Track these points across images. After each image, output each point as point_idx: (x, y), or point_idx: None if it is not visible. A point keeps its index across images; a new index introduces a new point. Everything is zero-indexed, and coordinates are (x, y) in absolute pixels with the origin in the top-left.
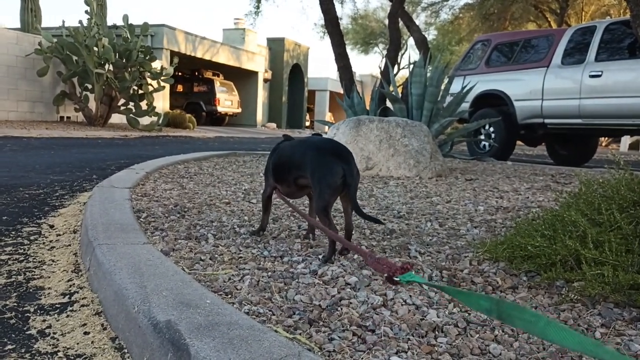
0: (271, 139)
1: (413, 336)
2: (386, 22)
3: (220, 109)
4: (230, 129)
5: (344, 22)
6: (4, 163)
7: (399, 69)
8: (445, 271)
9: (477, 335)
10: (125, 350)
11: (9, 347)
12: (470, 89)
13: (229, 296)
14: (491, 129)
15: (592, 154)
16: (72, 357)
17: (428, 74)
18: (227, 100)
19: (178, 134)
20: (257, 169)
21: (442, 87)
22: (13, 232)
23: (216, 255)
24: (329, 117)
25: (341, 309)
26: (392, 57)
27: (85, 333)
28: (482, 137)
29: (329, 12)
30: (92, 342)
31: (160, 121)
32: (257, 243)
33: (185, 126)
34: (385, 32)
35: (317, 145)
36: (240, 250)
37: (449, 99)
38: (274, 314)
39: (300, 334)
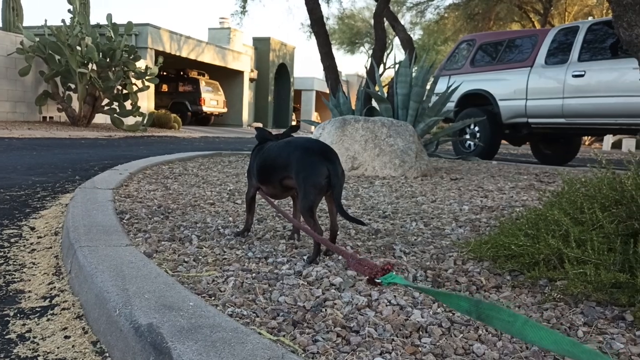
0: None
1: (397, 337)
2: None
3: (205, 108)
4: (216, 128)
5: (330, 22)
6: None
7: (384, 69)
8: (430, 271)
9: (461, 335)
10: (107, 355)
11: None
12: (455, 88)
13: (213, 298)
14: (476, 129)
15: (575, 153)
16: None
17: (413, 74)
18: (212, 100)
19: (163, 134)
20: (243, 169)
21: (428, 86)
22: None
23: (200, 257)
24: (315, 116)
25: (325, 310)
26: (378, 57)
27: (66, 337)
28: (467, 136)
29: (314, 12)
30: (73, 346)
31: (145, 121)
32: (242, 244)
33: (170, 126)
34: (371, 31)
35: (303, 145)
36: (225, 252)
37: (434, 98)
38: (257, 316)
39: (284, 335)
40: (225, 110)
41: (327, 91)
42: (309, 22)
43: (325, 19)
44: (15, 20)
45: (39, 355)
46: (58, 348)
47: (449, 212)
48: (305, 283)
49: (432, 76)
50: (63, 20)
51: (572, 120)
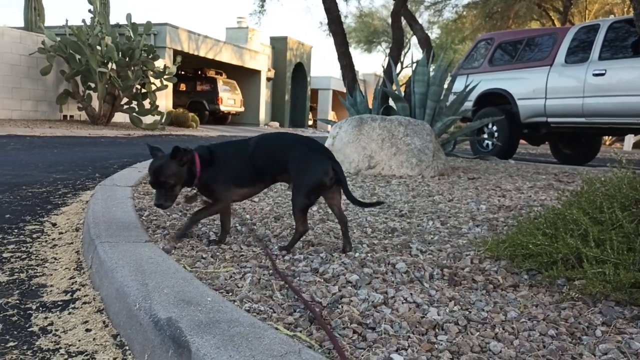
0: None
1: (413, 334)
2: (389, 20)
3: (223, 107)
4: (232, 127)
5: (348, 21)
6: (7, 162)
7: (401, 68)
8: (447, 269)
9: (478, 333)
10: (127, 347)
11: (11, 344)
12: (473, 87)
13: (230, 294)
14: (494, 128)
15: (595, 153)
16: (74, 354)
17: (431, 73)
18: (230, 99)
19: (181, 133)
20: None
21: (445, 85)
22: (16, 230)
23: (217, 254)
24: (332, 115)
25: (342, 306)
26: (395, 56)
27: (87, 330)
28: (485, 136)
29: (331, 11)
30: (94, 339)
31: (163, 120)
32: (259, 241)
33: (188, 125)
34: (388, 30)
35: (303, 142)
36: (242, 249)
37: (451, 97)
38: (274, 312)
39: (300, 331)
40: (242, 109)
41: (344, 90)
42: (327, 21)
43: (343, 18)
44: (37, 21)
45: (60, 348)
46: (79, 341)
47: (466, 211)
48: (322, 280)
49: (449, 75)
50: (84, 20)
51: (593, 120)
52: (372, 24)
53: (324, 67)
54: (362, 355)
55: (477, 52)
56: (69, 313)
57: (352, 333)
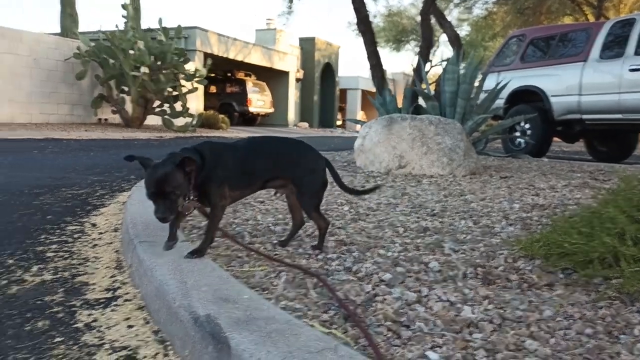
0: (303, 138)
1: (448, 332)
2: (418, 19)
3: (252, 109)
4: (262, 129)
5: (376, 20)
6: (46, 165)
7: (431, 67)
8: (480, 268)
9: (513, 331)
10: (168, 343)
11: (58, 339)
12: (505, 85)
13: (266, 292)
14: (527, 126)
15: (632, 150)
16: (118, 349)
17: (461, 71)
18: (259, 101)
19: (211, 134)
20: None
21: (476, 83)
22: (58, 231)
23: (252, 253)
24: (360, 115)
25: (376, 305)
26: (425, 55)
27: (129, 326)
28: (517, 134)
29: (360, 11)
30: (136, 335)
31: (194, 122)
32: (292, 241)
33: (218, 127)
34: (417, 29)
35: (296, 143)
36: (276, 248)
37: (482, 96)
38: (309, 310)
39: (336, 329)
40: (271, 110)
41: (373, 90)
42: (355, 20)
43: (371, 17)
44: (72, 27)
45: (105, 343)
46: (122, 336)
47: (499, 210)
48: (355, 278)
49: (480, 73)
50: (117, 25)
51: (630, 116)
52: (401, 23)
53: (353, 67)
54: (397, 353)
55: (509, 49)
56: (112, 310)
57: (387, 331)
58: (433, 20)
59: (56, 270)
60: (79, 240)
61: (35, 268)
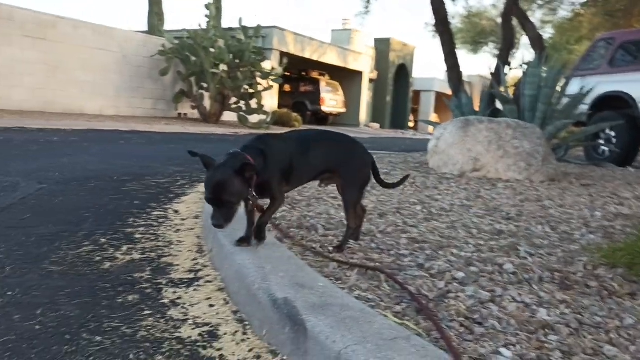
0: (374, 139)
1: (522, 332)
2: (499, 20)
3: (324, 108)
4: (333, 128)
5: (454, 21)
6: (132, 155)
7: (510, 69)
8: (557, 273)
9: (591, 336)
10: (247, 323)
11: (147, 312)
12: (590, 90)
13: (339, 282)
14: (612, 133)
15: None
16: (201, 325)
17: (543, 74)
18: (332, 100)
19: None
20: None
21: (558, 88)
22: (144, 215)
23: (326, 244)
24: (434, 117)
25: (448, 301)
26: (504, 57)
27: (211, 305)
28: (601, 141)
29: (439, 12)
30: (217, 313)
31: (268, 119)
32: (365, 236)
33: (291, 125)
34: (496, 30)
35: (349, 141)
36: (349, 241)
37: (565, 100)
38: (382, 301)
39: (408, 320)
40: (344, 110)
41: (448, 92)
42: (433, 21)
43: (450, 18)
44: (159, 25)
45: (188, 319)
46: (204, 314)
47: (579, 217)
48: (428, 275)
49: (563, 77)
50: (200, 25)
51: None
52: (480, 24)
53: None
54: (470, 347)
55: (595, 53)
56: (194, 290)
57: (459, 326)
58: (515, 22)
59: (144, 251)
60: (163, 224)
61: (125, 247)
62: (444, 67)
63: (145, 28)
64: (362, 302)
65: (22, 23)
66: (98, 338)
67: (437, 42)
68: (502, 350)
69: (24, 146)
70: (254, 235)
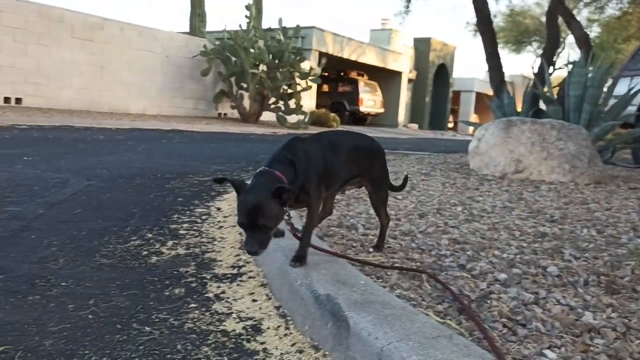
0: (412, 139)
1: (567, 334)
2: (543, 19)
3: (362, 108)
4: (371, 128)
5: (496, 20)
6: (175, 153)
7: (554, 69)
8: (603, 277)
9: (638, 341)
10: (289, 318)
11: (192, 305)
12: (638, 91)
13: (380, 280)
14: None
15: None
16: (244, 319)
17: (589, 74)
18: (370, 100)
19: None
20: (400, 168)
21: (605, 88)
22: (188, 212)
23: (366, 243)
24: (474, 118)
25: (491, 302)
26: (549, 56)
27: (254, 300)
28: None
29: (482, 11)
30: (260, 308)
31: (307, 119)
32: (405, 235)
33: (329, 125)
34: (540, 29)
35: (373, 143)
36: (389, 241)
37: (612, 101)
38: (423, 300)
39: (450, 320)
40: (382, 110)
41: (489, 92)
42: (475, 20)
43: (492, 17)
44: (200, 26)
45: (232, 313)
46: (248, 308)
47: (626, 221)
48: (469, 276)
49: (610, 77)
50: (240, 25)
51: None
52: (523, 23)
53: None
54: (513, 348)
55: None
56: (237, 285)
57: (502, 327)
58: (560, 20)
59: (188, 246)
60: (206, 221)
61: (170, 243)
62: (485, 67)
63: (187, 29)
64: (403, 301)
65: (72, 25)
66: (147, 328)
67: (478, 41)
68: (547, 352)
69: (73, 144)
70: (293, 259)
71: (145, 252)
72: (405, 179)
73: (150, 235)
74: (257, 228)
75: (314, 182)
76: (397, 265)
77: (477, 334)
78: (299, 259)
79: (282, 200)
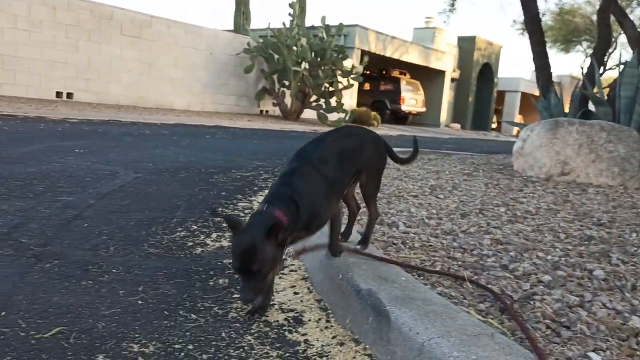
0: (454, 139)
1: (612, 338)
2: (594, 17)
3: (404, 107)
4: (412, 127)
5: (545, 19)
6: (218, 149)
7: (604, 70)
8: None
9: None
10: (330, 311)
11: (236, 295)
12: None
13: (421, 277)
14: None
15: None
16: (286, 311)
17: None
18: (411, 99)
19: None
20: (442, 167)
21: None
22: (231, 205)
23: (407, 241)
24: (518, 119)
25: (534, 303)
26: (599, 56)
27: (295, 293)
28: None
29: (529, 9)
30: (301, 300)
31: (347, 118)
32: (447, 235)
33: (369, 123)
34: (591, 28)
35: (360, 131)
36: (430, 239)
37: None
38: (465, 298)
39: (492, 319)
40: (423, 109)
41: (535, 92)
42: (522, 18)
43: (540, 15)
44: (244, 24)
45: (274, 304)
46: (289, 300)
47: None
48: (512, 276)
49: None
50: (284, 23)
51: None
52: (573, 21)
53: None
54: (556, 350)
55: None
56: (280, 277)
57: (545, 328)
58: (612, 19)
59: (230, 241)
60: (249, 215)
61: (214, 235)
62: (532, 67)
63: (232, 27)
64: (444, 298)
65: (121, 22)
66: (193, 316)
67: (525, 40)
68: (591, 354)
69: (120, 138)
70: (329, 247)
71: (191, 243)
72: (415, 150)
73: (195, 227)
74: (251, 273)
75: (322, 207)
76: (434, 269)
77: (520, 334)
78: (334, 252)
79: (279, 241)
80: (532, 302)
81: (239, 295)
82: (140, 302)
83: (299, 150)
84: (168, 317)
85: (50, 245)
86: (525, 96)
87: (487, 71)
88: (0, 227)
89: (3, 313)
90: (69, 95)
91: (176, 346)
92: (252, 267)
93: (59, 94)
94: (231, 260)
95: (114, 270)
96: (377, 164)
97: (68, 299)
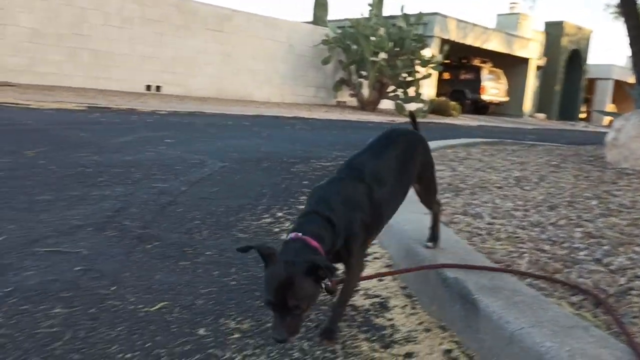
0: (538, 130)
1: None
2: None
3: (485, 97)
4: (493, 118)
5: None
6: (298, 139)
7: None
8: None
9: None
10: (415, 298)
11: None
12: None
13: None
14: None
15: None
16: (372, 296)
17: None
18: (493, 89)
19: (441, 121)
20: (527, 158)
21: None
22: None
23: (492, 232)
24: (610, 108)
25: (630, 298)
26: None
27: (380, 280)
28: None
29: None
30: (386, 287)
31: (426, 108)
32: (534, 227)
33: (448, 114)
34: None
35: (406, 132)
36: (517, 231)
37: None
38: (556, 291)
39: (584, 312)
40: (506, 99)
41: (630, 80)
42: (615, 2)
43: None
44: (323, 15)
45: (359, 290)
46: (374, 287)
47: None
48: (606, 270)
49: None
50: (362, 13)
51: None
52: None
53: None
54: None
55: None
56: (364, 264)
57: None
58: None
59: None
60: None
61: None
62: (627, 53)
63: (310, 18)
64: (534, 290)
65: (204, 17)
66: None
67: (619, 24)
68: None
69: (205, 129)
70: (322, 334)
71: (277, 229)
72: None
73: (280, 214)
74: (287, 309)
75: (358, 235)
76: (522, 261)
77: (615, 329)
78: (328, 333)
79: (318, 278)
80: (628, 297)
81: (272, 333)
82: (233, 282)
83: (348, 161)
84: (259, 297)
85: (149, 228)
86: (618, 84)
87: (576, 58)
88: (105, 210)
89: (114, 287)
90: (158, 88)
91: (269, 324)
92: (289, 304)
93: (148, 87)
94: (263, 294)
95: (208, 253)
96: (433, 163)
97: (169, 278)
